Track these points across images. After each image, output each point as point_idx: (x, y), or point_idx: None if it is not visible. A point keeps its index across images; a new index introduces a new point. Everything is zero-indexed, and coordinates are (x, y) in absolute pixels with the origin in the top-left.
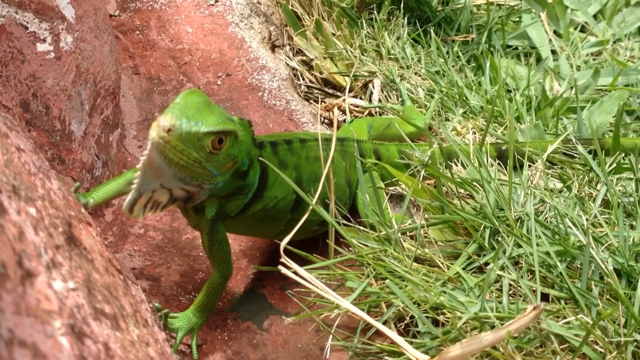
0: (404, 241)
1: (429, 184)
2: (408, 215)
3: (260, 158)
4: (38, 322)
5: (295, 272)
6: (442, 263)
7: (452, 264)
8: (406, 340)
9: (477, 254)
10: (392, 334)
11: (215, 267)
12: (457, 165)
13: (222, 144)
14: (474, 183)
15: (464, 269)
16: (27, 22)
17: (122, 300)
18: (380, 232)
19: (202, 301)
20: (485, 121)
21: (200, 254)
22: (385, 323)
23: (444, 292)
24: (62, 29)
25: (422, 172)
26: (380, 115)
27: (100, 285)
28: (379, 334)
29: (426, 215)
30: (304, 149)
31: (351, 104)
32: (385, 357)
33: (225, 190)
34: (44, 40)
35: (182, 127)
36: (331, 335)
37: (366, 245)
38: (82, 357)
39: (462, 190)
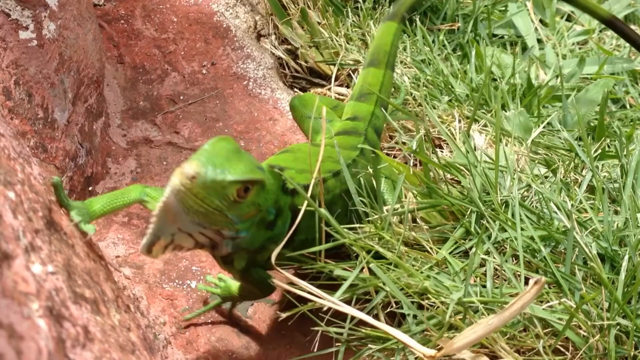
0: (396, 226)
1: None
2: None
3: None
4: (15, 304)
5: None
6: (431, 248)
7: (439, 249)
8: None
9: (465, 238)
10: (392, 329)
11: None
12: (442, 151)
13: (248, 192)
14: (461, 167)
15: (450, 253)
16: (10, 10)
17: (103, 285)
18: (374, 216)
19: (245, 293)
20: (471, 109)
21: None
22: (373, 309)
23: (429, 277)
24: (45, 17)
25: (412, 159)
26: None
27: (81, 270)
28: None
29: (414, 200)
30: (340, 182)
31: (337, 93)
32: (370, 345)
33: (254, 244)
34: (27, 28)
35: (207, 174)
36: (315, 322)
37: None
38: (60, 339)
39: (448, 175)
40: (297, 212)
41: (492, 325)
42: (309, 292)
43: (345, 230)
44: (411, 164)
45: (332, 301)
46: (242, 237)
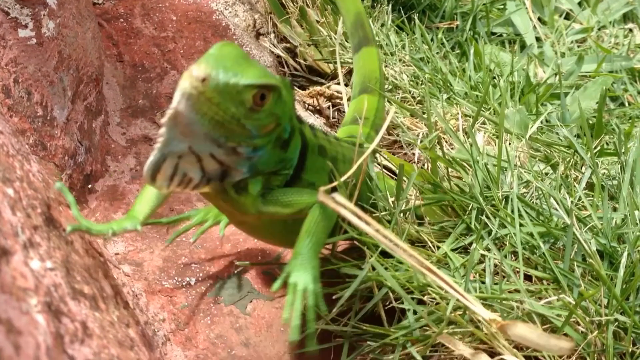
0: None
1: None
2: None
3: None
4: (13, 299)
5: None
6: (432, 242)
7: (441, 244)
8: (395, 327)
9: (465, 234)
10: (457, 287)
11: (304, 209)
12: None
13: (265, 100)
14: (464, 163)
15: (452, 250)
16: (9, 8)
17: (102, 281)
18: (382, 212)
19: (307, 242)
20: (470, 106)
21: (184, 239)
22: (376, 305)
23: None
24: (44, 15)
25: (417, 156)
26: None
27: (80, 267)
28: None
29: (419, 196)
30: (340, 147)
31: (335, 91)
32: (368, 341)
33: (269, 165)
34: (26, 26)
35: (218, 77)
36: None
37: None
38: (58, 334)
39: (452, 172)
40: (306, 147)
41: (551, 345)
42: (359, 218)
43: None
44: (416, 161)
45: (392, 241)
46: (259, 157)
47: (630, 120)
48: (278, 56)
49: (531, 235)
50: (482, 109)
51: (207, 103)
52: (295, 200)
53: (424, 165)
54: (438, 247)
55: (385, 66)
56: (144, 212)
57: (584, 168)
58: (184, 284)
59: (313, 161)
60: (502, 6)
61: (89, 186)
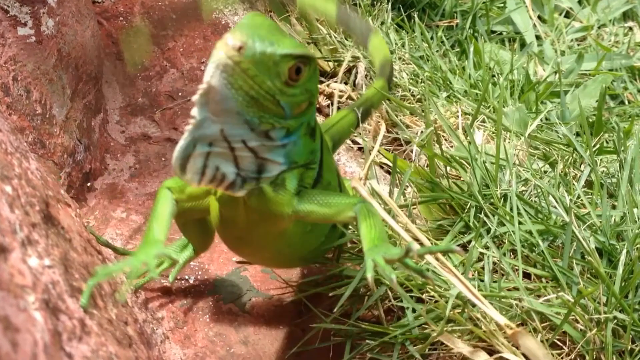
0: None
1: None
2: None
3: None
4: (11, 296)
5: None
6: (429, 240)
7: (439, 242)
8: (394, 326)
9: (464, 232)
10: (476, 291)
11: (344, 210)
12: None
13: (300, 74)
14: (462, 161)
15: None
16: (8, 6)
17: None
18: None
19: (373, 234)
20: (470, 104)
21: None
22: (375, 302)
23: (428, 270)
24: (44, 13)
25: (414, 154)
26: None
27: (78, 264)
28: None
29: (417, 194)
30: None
31: (335, 89)
32: (367, 340)
33: (302, 155)
34: (25, 24)
35: (255, 46)
36: (312, 318)
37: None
38: (56, 331)
39: (451, 170)
40: (321, 139)
41: None
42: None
43: None
44: (415, 159)
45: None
46: (293, 144)
47: (629, 119)
48: None
49: (530, 233)
50: (482, 107)
51: (242, 75)
52: (333, 200)
53: (424, 164)
54: (436, 245)
55: None
56: (163, 231)
57: (583, 166)
58: (182, 282)
59: (327, 158)
60: (502, 4)
61: (88, 184)
